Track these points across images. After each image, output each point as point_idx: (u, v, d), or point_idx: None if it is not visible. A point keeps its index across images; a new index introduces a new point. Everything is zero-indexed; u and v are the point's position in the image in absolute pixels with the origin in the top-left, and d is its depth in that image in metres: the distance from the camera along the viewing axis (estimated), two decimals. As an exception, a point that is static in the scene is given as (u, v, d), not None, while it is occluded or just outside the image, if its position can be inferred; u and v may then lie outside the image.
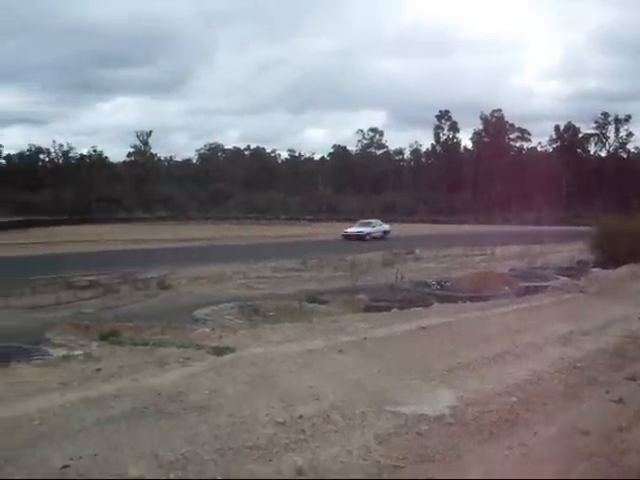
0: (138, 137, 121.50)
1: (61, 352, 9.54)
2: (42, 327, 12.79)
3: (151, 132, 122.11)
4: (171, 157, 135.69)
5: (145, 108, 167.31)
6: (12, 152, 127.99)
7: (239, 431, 5.61)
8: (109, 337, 10.47)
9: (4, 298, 18.09)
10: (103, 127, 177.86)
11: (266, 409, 6.15)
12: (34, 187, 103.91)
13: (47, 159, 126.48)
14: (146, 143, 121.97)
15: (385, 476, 5.01)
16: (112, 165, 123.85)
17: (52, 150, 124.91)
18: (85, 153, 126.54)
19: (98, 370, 7.49)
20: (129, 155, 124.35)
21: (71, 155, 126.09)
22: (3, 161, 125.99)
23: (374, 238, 53.39)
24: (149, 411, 5.99)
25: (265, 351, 8.48)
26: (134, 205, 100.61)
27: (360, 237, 52.57)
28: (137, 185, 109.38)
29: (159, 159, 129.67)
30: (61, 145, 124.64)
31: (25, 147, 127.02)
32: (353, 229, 56.36)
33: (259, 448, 5.28)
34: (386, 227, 59.17)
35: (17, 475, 4.60)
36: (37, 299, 18.42)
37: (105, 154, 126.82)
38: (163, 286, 21.29)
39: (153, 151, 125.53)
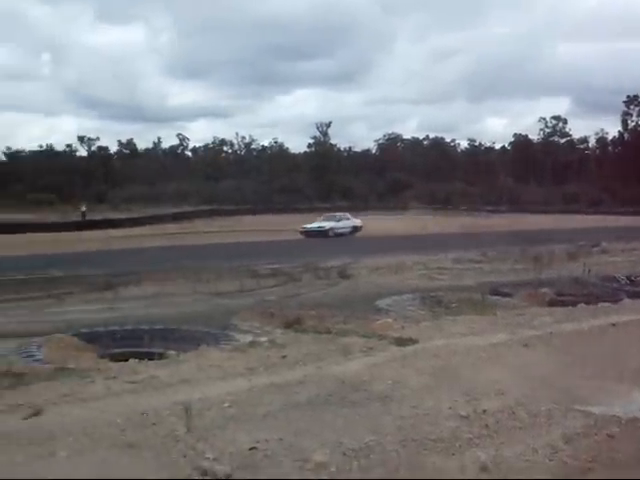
0: (318, 128, 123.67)
1: (247, 338, 9.88)
2: (228, 313, 13.30)
3: (330, 123, 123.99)
4: (350, 147, 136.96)
5: (324, 99, 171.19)
6: (198, 145, 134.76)
7: (422, 423, 5.56)
8: (293, 325, 10.74)
9: (192, 284, 18.95)
10: (283, 119, 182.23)
11: (449, 402, 6.08)
12: (218, 178, 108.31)
13: (230, 151, 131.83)
14: (325, 134, 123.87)
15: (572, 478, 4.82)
16: (293, 156, 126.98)
17: (235, 142, 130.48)
18: (266, 145, 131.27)
19: (283, 357, 7.69)
20: (309, 146, 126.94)
21: (253, 147, 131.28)
22: (189, 153, 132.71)
23: (340, 234, 46.76)
24: (333, 399, 6.07)
25: (448, 343, 8.41)
26: (314, 195, 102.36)
27: (322, 233, 45.61)
28: (317, 175, 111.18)
29: (338, 150, 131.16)
30: (243, 137, 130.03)
31: (210, 140, 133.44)
32: (314, 224, 47.75)
33: (442, 441, 5.21)
34: (357, 222, 50.54)
35: (208, 453, 4.77)
36: (222, 286, 19.12)
37: (286, 145, 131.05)
38: (344, 275, 21.56)
39: (332, 142, 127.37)
